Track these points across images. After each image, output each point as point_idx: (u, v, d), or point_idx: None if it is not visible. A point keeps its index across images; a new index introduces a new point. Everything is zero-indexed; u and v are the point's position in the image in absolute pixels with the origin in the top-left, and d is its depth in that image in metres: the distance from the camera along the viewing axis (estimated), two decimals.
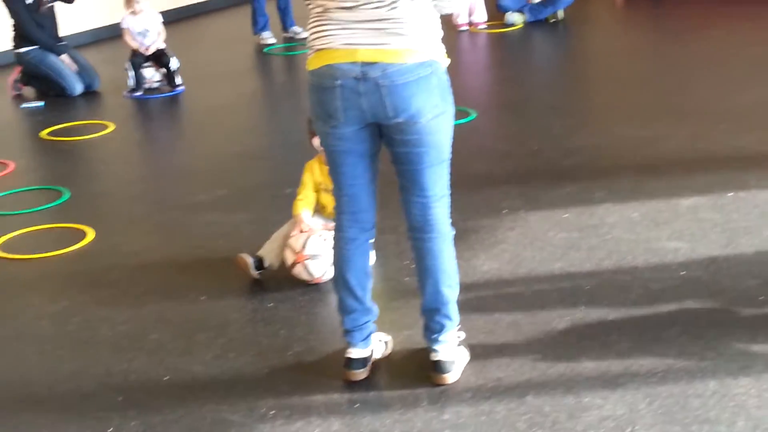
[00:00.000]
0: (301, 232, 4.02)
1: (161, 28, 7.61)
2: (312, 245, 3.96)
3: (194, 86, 7.57)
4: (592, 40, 8.89)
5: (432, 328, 3.25)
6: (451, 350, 3.27)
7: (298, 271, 3.99)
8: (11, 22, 7.53)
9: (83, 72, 7.60)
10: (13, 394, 3.43)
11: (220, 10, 10.88)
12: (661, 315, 3.61)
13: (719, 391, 3.09)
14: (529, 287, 3.91)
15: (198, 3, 10.73)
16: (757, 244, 4.14)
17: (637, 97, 6.61)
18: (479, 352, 3.40)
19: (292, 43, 8.80)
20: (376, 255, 4.09)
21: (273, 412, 3.17)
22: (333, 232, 3.30)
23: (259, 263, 4.09)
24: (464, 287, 3.41)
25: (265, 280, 4.09)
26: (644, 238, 4.26)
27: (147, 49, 7.50)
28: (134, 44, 7.51)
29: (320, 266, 3.97)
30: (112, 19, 9.07)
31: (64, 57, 7.53)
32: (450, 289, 3.22)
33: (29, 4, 7.43)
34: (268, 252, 4.11)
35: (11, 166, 5.90)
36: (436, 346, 3.25)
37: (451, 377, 3.24)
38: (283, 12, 8.95)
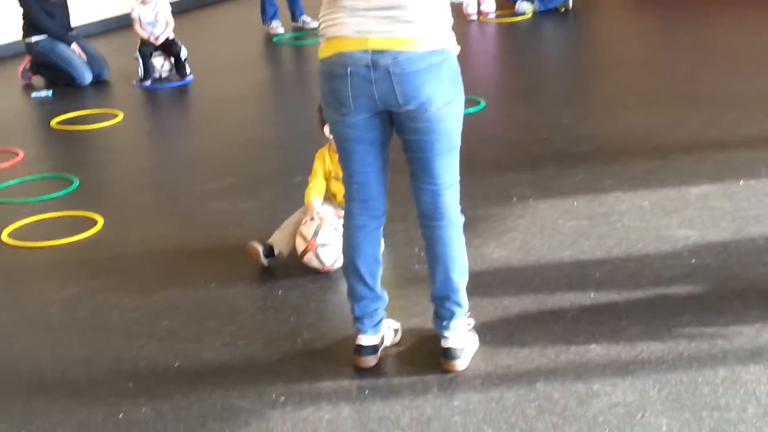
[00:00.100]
0: (312, 219, 4.02)
1: (170, 18, 7.62)
2: (324, 234, 3.97)
3: (203, 76, 7.57)
4: (601, 28, 8.86)
5: (442, 315, 3.26)
6: (461, 337, 3.27)
7: (309, 258, 4.00)
8: (21, 11, 7.54)
9: (92, 61, 7.60)
10: (24, 380, 3.45)
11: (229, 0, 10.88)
12: (671, 302, 3.61)
13: (729, 377, 3.09)
14: (539, 275, 3.91)
15: None
16: None
17: (646, 85, 6.59)
18: (489, 338, 3.41)
19: (302, 33, 8.78)
20: (386, 243, 4.09)
21: (283, 398, 3.18)
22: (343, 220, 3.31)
23: (269, 251, 4.09)
24: (474, 275, 3.42)
25: (274, 268, 4.10)
26: (654, 226, 4.26)
27: (156, 39, 7.50)
28: (144, 34, 7.51)
29: (331, 254, 3.97)
30: (121, 9, 9.08)
31: (74, 46, 7.54)
32: (460, 276, 3.22)
33: None
34: (278, 240, 4.12)
35: (21, 154, 5.91)
36: (446, 333, 3.26)
37: (460, 364, 3.24)
38: (292, 1, 8.92)
